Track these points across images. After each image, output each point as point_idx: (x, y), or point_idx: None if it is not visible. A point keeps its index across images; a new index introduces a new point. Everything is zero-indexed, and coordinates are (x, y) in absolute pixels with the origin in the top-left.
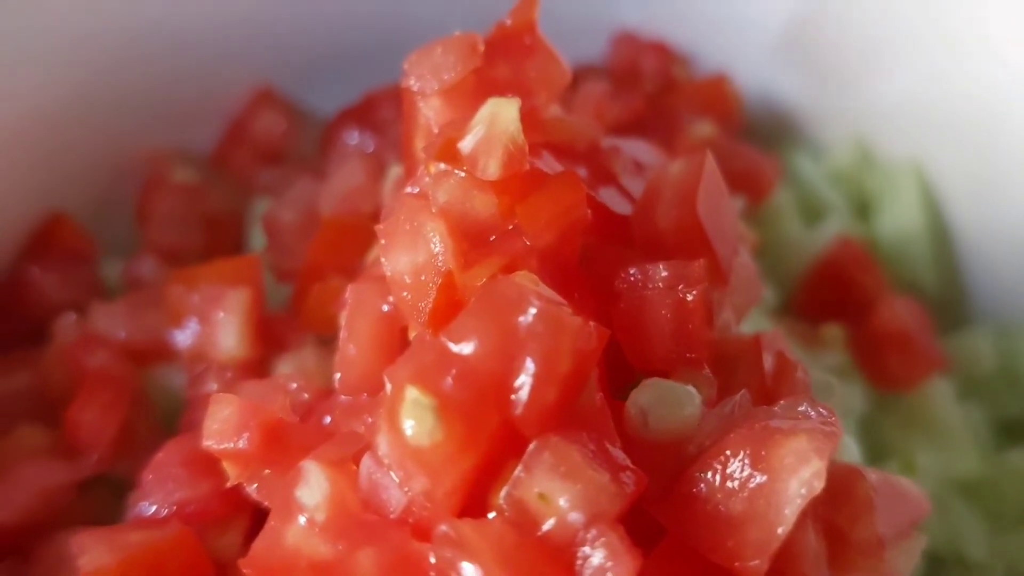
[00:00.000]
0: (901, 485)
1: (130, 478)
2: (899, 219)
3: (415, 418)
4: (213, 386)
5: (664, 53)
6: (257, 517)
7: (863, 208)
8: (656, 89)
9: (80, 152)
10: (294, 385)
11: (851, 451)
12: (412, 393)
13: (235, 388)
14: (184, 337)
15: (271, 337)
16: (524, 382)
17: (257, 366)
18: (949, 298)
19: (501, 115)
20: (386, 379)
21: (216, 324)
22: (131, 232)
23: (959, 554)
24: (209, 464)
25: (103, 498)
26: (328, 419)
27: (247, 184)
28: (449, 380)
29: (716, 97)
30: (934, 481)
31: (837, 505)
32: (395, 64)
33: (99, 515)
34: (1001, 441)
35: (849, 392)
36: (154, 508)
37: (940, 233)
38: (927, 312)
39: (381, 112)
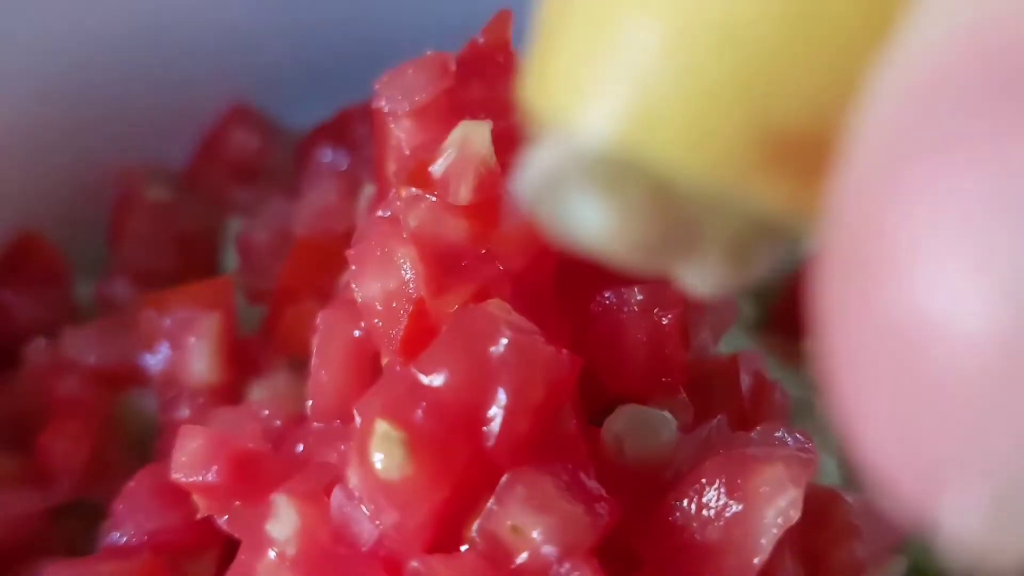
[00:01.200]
0: (880, 507)
1: (104, 504)
2: None
3: (385, 452)
4: (185, 412)
5: None
6: (230, 546)
7: None
8: None
9: (52, 170)
10: (266, 412)
11: (830, 471)
12: (382, 427)
13: (207, 414)
14: (156, 362)
15: (244, 361)
16: (496, 414)
17: (230, 391)
18: None
19: (472, 138)
20: (356, 412)
21: (187, 349)
22: (104, 251)
23: (939, 569)
24: (181, 493)
25: (76, 524)
26: (301, 447)
27: (221, 202)
28: (419, 413)
29: None
30: None
31: (815, 529)
32: (372, 80)
33: (72, 542)
34: None
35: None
36: (125, 538)
37: None
38: None
39: (355, 129)
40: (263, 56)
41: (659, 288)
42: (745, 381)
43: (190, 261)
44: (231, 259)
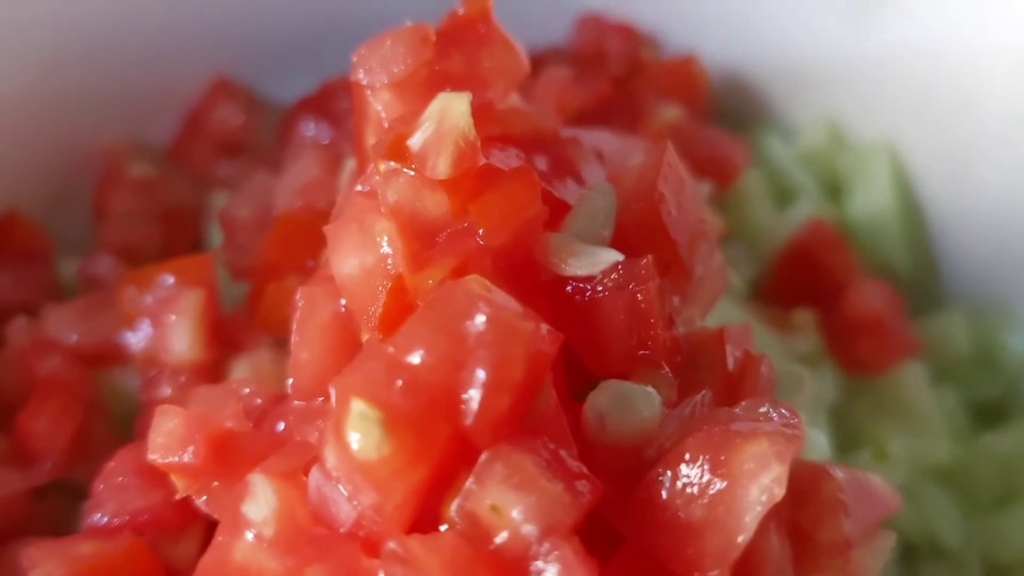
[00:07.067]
0: (869, 482)
1: (87, 483)
2: (871, 201)
3: (361, 431)
4: (166, 390)
5: (630, 35)
6: (212, 525)
7: (834, 190)
8: (622, 72)
9: (34, 147)
10: (247, 390)
11: (820, 445)
12: (358, 406)
13: (188, 392)
14: (137, 340)
15: (226, 338)
16: (474, 391)
17: (212, 368)
18: (922, 280)
19: (451, 110)
20: (331, 391)
21: (168, 327)
22: (88, 229)
23: (933, 542)
24: (161, 473)
25: (60, 504)
26: (282, 425)
27: (206, 177)
28: (396, 391)
29: (684, 79)
30: (907, 468)
31: (802, 505)
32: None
33: (56, 521)
34: (975, 424)
35: (820, 379)
36: (106, 519)
37: (913, 214)
38: (900, 295)
39: (339, 102)
40: (247, 29)
41: (632, 263)
42: (732, 354)
43: (175, 237)
44: (216, 235)
